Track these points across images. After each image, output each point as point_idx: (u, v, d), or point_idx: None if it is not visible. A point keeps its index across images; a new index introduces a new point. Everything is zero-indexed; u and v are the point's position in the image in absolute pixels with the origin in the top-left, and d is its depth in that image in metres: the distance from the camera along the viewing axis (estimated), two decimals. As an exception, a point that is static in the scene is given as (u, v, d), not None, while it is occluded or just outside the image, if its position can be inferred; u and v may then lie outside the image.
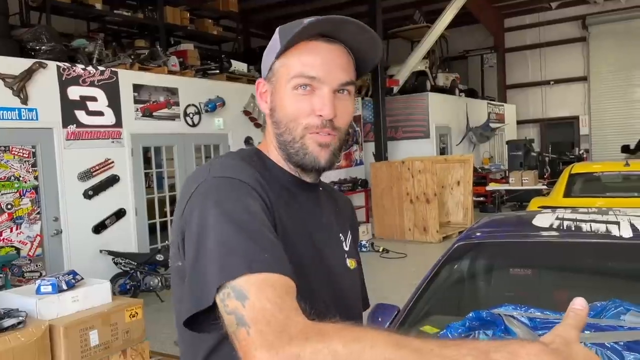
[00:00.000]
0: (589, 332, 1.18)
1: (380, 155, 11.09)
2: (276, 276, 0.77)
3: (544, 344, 0.61)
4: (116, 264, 6.36)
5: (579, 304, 0.67)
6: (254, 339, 0.69)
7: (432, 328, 1.89)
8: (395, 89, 12.23)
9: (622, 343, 1.15)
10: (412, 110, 12.25)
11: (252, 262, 0.78)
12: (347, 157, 11.49)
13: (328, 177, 9.96)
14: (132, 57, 7.58)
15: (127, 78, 6.96)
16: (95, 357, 2.89)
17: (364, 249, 8.82)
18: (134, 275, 6.32)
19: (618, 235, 2.16)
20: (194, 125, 7.86)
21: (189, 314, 0.81)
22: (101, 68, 6.67)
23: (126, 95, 6.90)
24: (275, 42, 1.01)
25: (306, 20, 0.95)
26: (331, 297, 1.02)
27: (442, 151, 12.75)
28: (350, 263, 1.11)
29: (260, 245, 0.82)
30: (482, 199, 12.33)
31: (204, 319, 0.80)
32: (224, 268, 0.78)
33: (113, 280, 6.10)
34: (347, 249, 1.12)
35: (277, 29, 1.02)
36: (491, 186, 11.79)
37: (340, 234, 1.12)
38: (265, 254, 0.81)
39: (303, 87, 0.97)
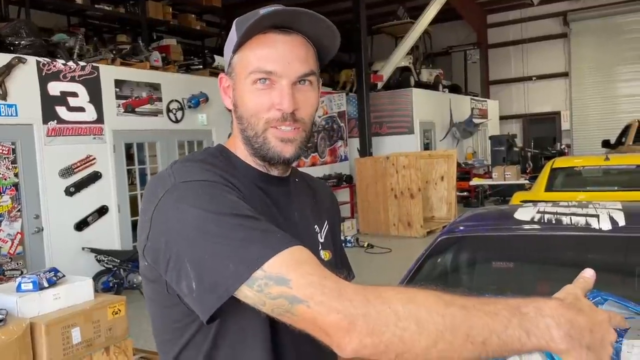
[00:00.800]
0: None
1: (365, 150, 11.12)
2: (297, 249, 0.80)
3: (560, 299, 0.74)
4: (99, 261, 6.30)
5: (588, 273, 0.80)
6: (319, 310, 0.73)
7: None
8: (380, 84, 12.26)
9: (599, 332, 1.17)
10: (396, 106, 12.29)
11: (269, 243, 0.80)
12: (331, 153, 11.50)
13: (314, 173, 9.88)
14: (114, 52, 7.49)
15: (109, 73, 6.88)
16: (77, 354, 2.86)
17: (349, 244, 8.85)
18: (117, 273, 6.27)
19: (597, 228, 2.19)
20: (177, 121, 7.80)
21: (212, 311, 0.81)
22: (82, 63, 6.58)
23: (108, 91, 6.82)
24: (232, 36, 0.99)
25: (261, 11, 0.93)
26: None
27: (426, 146, 12.82)
28: (324, 255, 1.10)
29: (263, 227, 0.83)
30: (465, 193, 12.43)
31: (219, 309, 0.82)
32: (244, 259, 0.79)
33: (96, 278, 6.04)
34: (322, 240, 1.11)
35: (234, 22, 1.00)
36: (474, 181, 11.89)
37: (316, 226, 1.12)
38: (276, 233, 0.83)
39: (261, 82, 0.96)
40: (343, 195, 10.64)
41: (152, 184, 0.95)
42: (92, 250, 6.34)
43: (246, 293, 0.79)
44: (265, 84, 0.96)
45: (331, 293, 0.74)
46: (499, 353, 0.70)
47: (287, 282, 0.76)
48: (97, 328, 2.97)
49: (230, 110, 1.06)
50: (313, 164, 10.77)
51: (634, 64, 15.82)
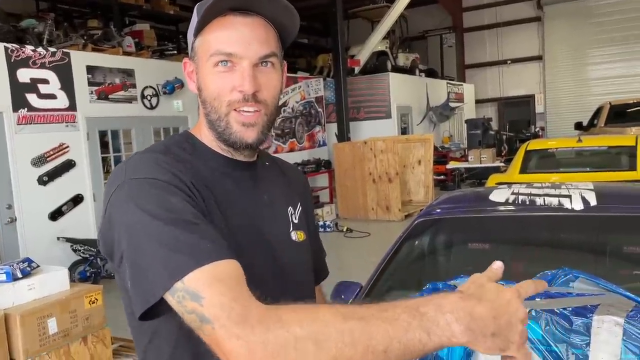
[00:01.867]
0: (539, 299, 1.23)
1: (343, 135, 11.12)
2: (223, 264, 0.79)
3: (461, 291, 0.75)
4: (75, 250, 6.22)
5: (497, 265, 0.81)
6: (221, 333, 0.73)
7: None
8: (357, 69, 12.24)
9: (570, 309, 1.21)
10: (373, 91, 12.30)
11: (195, 255, 0.79)
12: (310, 139, 11.48)
13: (293, 159, 10.02)
14: (85, 37, 7.32)
15: (80, 59, 6.73)
16: (54, 345, 2.83)
17: (328, 229, 8.89)
18: (94, 262, 6.20)
19: (570, 208, 2.23)
20: (152, 107, 7.69)
21: (140, 312, 0.82)
22: (52, 49, 6.42)
23: (79, 78, 6.68)
24: (194, 19, 0.99)
25: None
26: (272, 272, 1.02)
27: (404, 131, 12.89)
28: (298, 235, 1.11)
29: (200, 234, 0.82)
30: (442, 177, 12.56)
31: (154, 309, 0.82)
32: (169, 268, 0.79)
33: (72, 268, 5.97)
34: (295, 221, 1.12)
35: (196, 5, 0.99)
36: (451, 164, 12.01)
37: (289, 207, 1.12)
38: (206, 243, 0.81)
39: (222, 64, 0.96)
40: (322, 180, 10.65)
41: (111, 175, 0.96)
42: (68, 239, 6.25)
43: (170, 301, 0.79)
44: (227, 67, 0.96)
45: (237, 318, 0.73)
46: (403, 357, 0.71)
47: (200, 299, 0.76)
48: (74, 318, 2.94)
49: None
50: (291, 150, 10.73)
51: (606, 46, 16.07)
